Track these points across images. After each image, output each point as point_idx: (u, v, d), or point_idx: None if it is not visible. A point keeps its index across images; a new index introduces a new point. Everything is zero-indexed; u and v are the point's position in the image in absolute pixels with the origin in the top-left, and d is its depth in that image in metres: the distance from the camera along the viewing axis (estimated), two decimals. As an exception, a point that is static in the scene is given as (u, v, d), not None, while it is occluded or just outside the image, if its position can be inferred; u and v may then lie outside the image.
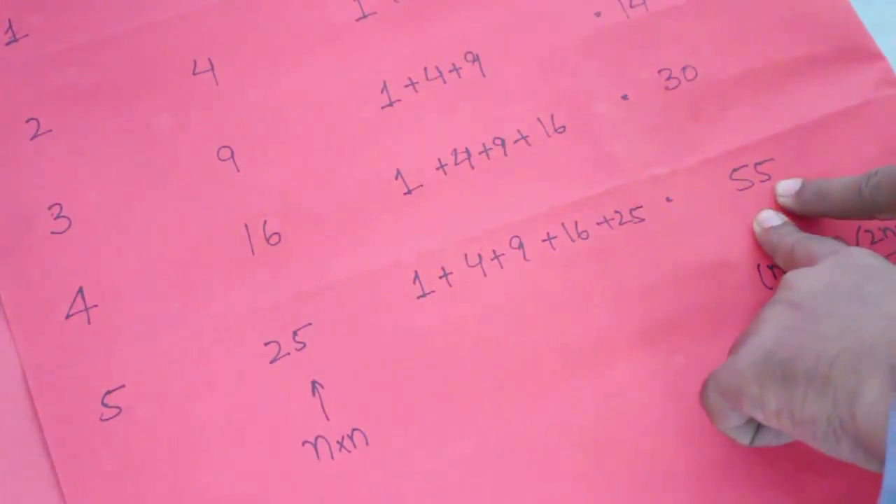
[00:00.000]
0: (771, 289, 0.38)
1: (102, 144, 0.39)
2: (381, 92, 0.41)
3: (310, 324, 0.37)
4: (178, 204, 0.39)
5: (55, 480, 0.35)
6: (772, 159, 0.39)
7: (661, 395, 0.36)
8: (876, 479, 0.25)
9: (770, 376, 0.29)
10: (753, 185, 0.39)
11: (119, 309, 0.37)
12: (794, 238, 0.36)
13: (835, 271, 0.31)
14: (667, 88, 0.41)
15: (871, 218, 0.36)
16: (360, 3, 0.42)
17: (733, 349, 0.32)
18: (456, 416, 0.36)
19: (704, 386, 0.32)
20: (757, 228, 0.38)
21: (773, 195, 0.39)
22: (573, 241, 0.38)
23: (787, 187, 0.38)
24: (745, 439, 0.32)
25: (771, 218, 0.38)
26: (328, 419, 0.36)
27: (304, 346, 0.37)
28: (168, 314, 0.37)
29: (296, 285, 0.38)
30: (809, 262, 0.34)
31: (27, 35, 0.41)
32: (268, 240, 0.38)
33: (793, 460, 0.35)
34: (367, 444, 0.36)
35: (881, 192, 0.34)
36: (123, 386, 0.36)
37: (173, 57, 0.41)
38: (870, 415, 0.25)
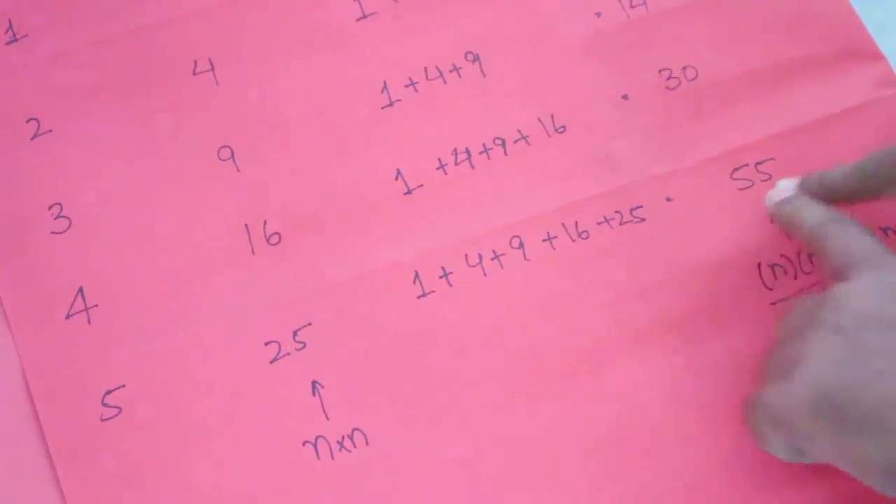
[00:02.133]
0: (771, 289, 0.38)
1: (102, 144, 0.39)
2: (381, 92, 0.41)
3: (310, 324, 0.37)
4: (177, 204, 0.39)
5: (55, 480, 0.35)
6: (772, 159, 0.39)
7: (661, 395, 0.36)
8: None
9: (823, 417, 0.28)
10: (754, 184, 0.39)
11: (119, 309, 0.37)
12: (819, 219, 0.33)
13: (883, 294, 0.30)
14: (667, 88, 0.41)
15: (876, 198, 0.34)
16: (360, 3, 0.42)
17: (774, 366, 0.31)
18: (456, 416, 0.36)
19: (750, 407, 0.32)
20: (770, 204, 0.36)
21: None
22: (573, 240, 0.38)
23: (787, 186, 0.38)
24: (784, 457, 0.32)
25: (785, 187, 0.36)
26: (328, 419, 0.36)
27: (304, 346, 0.37)
28: (168, 314, 0.37)
29: (296, 285, 0.38)
30: (845, 260, 0.31)
31: (27, 35, 0.41)
32: (268, 240, 0.38)
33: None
34: (367, 444, 0.36)
35: (884, 167, 0.33)
36: (123, 386, 0.36)
37: (173, 57, 0.41)
38: None
